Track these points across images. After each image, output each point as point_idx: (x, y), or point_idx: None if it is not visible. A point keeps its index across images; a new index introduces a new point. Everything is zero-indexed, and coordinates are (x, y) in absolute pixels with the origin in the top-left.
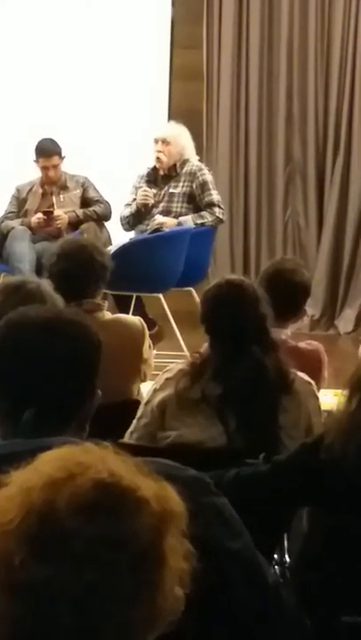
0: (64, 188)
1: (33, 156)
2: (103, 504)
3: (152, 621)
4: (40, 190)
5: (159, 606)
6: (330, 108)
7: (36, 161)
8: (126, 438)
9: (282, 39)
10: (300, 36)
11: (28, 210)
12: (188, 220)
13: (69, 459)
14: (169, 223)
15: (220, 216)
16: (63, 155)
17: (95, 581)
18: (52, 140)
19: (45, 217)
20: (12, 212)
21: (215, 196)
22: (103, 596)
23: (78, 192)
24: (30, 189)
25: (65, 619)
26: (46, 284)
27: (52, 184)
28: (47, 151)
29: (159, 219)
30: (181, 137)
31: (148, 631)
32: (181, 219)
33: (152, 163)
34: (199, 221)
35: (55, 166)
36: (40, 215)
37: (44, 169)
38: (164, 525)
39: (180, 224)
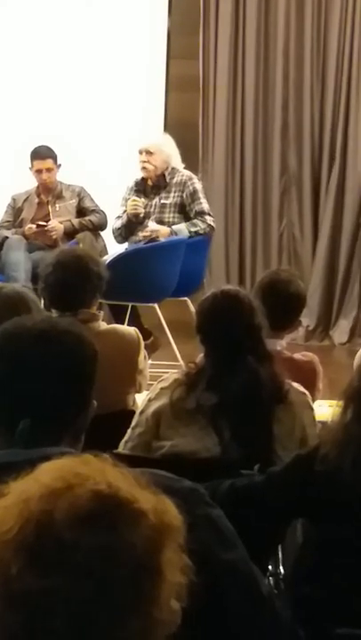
0: (60, 197)
1: (29, 163)
2: (101, 515)
3: (148, 634)
4: (36, 199)
5: (155, 619)
6: (325, 119)
7: (31, 165)
8: (121, 447)
9: (278, 50)
10: (296, 47)
11: (24, 219)
12: (182, 229)
13: (68, 470)
14: (162, 231)
15: (212, 224)
16: (59, 162)
17: (91, 592)
18: (47, 147)
19: (38, 229)
20: (7, 222)
21: (205, 204)
22: (99, 607)
23: (74, 202)
24: (26, 199)
25: (61, 629)
26: (21, 287)
27: (47, 191)
28: (41, 153)
29: (152, 226)
30: (165, 145)
31: None
32: (174, 227)
33: (140, 174)
34: (193, 229)
35: (49, 170)
36: (32, 226)
37: (38, 172)
38: (161, 538)
39: (173, 232)
